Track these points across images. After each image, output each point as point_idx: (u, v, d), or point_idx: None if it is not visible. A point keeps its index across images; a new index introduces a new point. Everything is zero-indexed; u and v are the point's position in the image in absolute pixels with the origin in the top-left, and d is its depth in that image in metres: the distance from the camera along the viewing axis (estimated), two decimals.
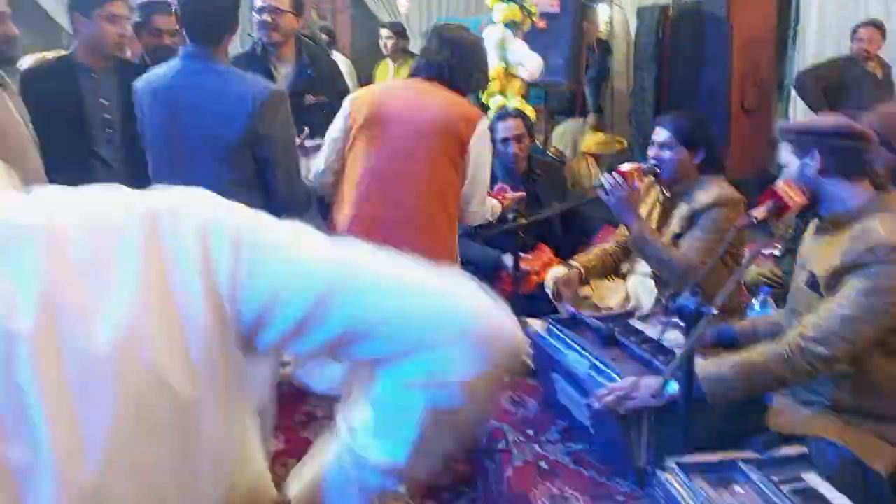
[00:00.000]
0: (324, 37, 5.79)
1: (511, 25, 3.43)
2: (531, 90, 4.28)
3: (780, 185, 1.85)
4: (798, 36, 5.92)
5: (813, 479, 1.54)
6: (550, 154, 5.80)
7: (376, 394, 0.77)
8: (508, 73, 3.47)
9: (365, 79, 5.93)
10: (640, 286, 2.81)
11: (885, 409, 1.78)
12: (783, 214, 1.83)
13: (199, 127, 2.17)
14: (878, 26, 4.59)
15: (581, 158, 5.66)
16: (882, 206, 1.78)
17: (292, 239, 0.77)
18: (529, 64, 3.43)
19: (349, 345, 0.75)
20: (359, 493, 0.80)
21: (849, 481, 1.71)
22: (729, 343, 2.11)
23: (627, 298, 2.88)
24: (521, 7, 3.40)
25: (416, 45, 7.68)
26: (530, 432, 2.22)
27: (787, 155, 1.89)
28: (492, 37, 3.48)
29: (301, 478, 0.90)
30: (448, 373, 0.73)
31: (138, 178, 2.13)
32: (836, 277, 1.78)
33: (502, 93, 3.50)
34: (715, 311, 1.63)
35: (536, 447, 2.13)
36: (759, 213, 1.81)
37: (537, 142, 5.36)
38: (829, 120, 1.84)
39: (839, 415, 1.83)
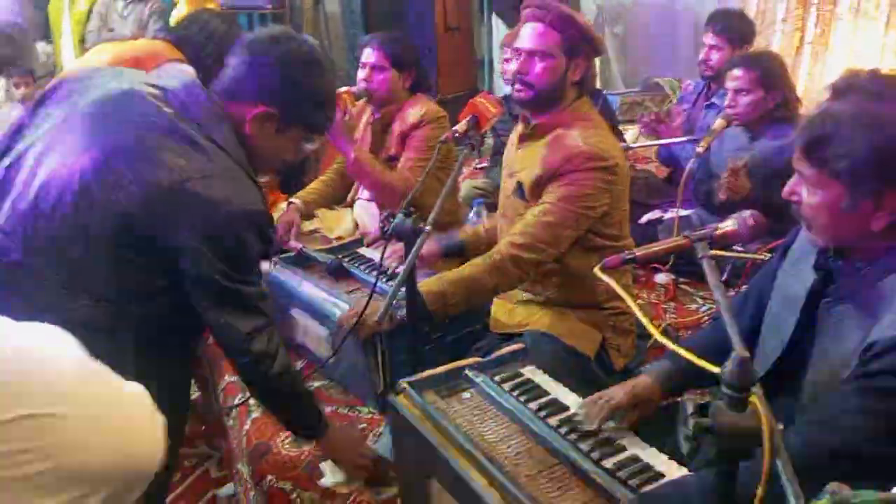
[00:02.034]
0: None
1: None
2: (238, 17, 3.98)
3: (478, 99, 1.89)
4: None
5: (531, 372, 1.65)
6: None
7: None
8: None
9: (39, 16, 5.06)
10: (364, 212, 2.80)
11: (587, 298, 1.97)
12: (482, 127, 1.88)
13: None
14: None
15: None
16: (580, 115, 1.90)
17: None
18: None
19: None
20: None
21: (561, 366, 1.87)
22: (458, 252, 2.17)
23: (357, 225, 2.86)
24: None
25: None
26: None
27: (548, 42, 1.83)
28: None
29: None
30: None
31: None
32: (539, 185, 1.89)
33: None
34: (429, 229, 1.64)
35: None
36: (459, 127, 1.84)
37: None
38: (598, 35, 1.89)
39: (550, 308, 1.99)
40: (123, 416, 0.68)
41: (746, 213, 1.20)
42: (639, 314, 1.09)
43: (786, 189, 1.21)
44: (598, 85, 5.54)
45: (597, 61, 5.61)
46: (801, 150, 1.17)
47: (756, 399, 0.86)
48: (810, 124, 1.16)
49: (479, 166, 4.33)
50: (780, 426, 0.87)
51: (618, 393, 1.43)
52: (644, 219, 2.90)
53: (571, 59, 1.85)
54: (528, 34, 1.85)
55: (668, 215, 2.79)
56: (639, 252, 1.21)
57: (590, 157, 1.80)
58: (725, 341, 0.93)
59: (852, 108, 1.12)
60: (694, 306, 2.58)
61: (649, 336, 2.16)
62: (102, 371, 0.69)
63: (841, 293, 1.18)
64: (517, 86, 1.88)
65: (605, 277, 1.16)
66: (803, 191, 1.18)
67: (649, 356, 2.14)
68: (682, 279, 2.71)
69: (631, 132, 4.14)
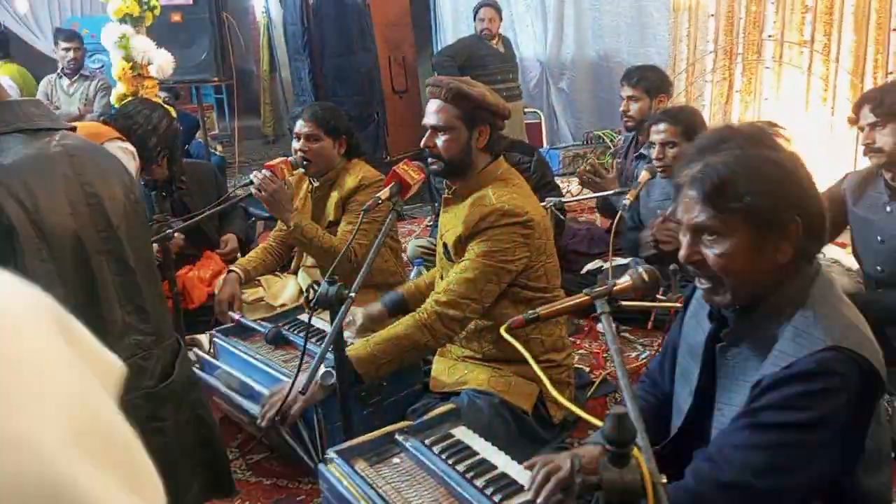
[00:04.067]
0: None
1: (130, 20, 3.14)
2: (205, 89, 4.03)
3: (401, 167, 1.94)
4: (437, 19, 6.43)
5: (461, 432, 1.65)
6: (216, 153, 5.56)
7: None
8: (138, 74, 3.19)
9: None
10: (308, 278, 2.81)
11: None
12: (406, 192, 1.93)
13: None
14: (494, 7, 5.11)
15: None
16: (496, 176, 1.98)
17: None
18: (158, 61, 3.19)
19: None
20: None
21: (500, 422, 1.89)
22: (402, 308, 2.19)
23: (301, 292, 2.87)
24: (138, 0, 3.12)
25: (45, 45, 6.82)
26: None
27: (447, 116, 1.94)
28: (111, 35, 3.16)
29: None
30: None
31: None
32: (461, 244, 1.94)
33: (136, 95, 3.20)
34: (353, 295, 1.66)
35: None
36: (382, 194, 1.88)
37: (200, 139, 5.10)
38: (499, 101, 1.97)
39: (488, 364, 2.01)
40: None
41: (641, 268, 1.23)
42: (539, 373, 1.11)
43: (682, 253, 1.21)
44: (544, 140, 5.70)
45: (542, 116, 5.80)
46: (701, 200, 1.17)
47: (638, 453, 0.88)
48: (702, 176, 1.17)
49: (428, 224, 4.39)
50: (664, 478, 0.89)
51: (564, 463, 1.36)
52: (585, 269, 2.95)
53: (473, 128, 1.94)
54: (430, 111, 1.99)
55: (606, 265, 2.84)
56: (542, 311, 1.24)
57: (503, 213, 1.87)
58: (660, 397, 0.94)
59: (736, 155, 1.17)
60: (634, 353, 2.62)
61: (588, 387, 2.21)
62: None
63: (734, 337, 1.22)
64: (430, 159, 1.99)
65: (508, 337, 1.18)
66: (703, 248, 1.19)
67: (588, 408, 2.16)
68: (623, 327, 2.75)
69: (575, 184, 4.24)
